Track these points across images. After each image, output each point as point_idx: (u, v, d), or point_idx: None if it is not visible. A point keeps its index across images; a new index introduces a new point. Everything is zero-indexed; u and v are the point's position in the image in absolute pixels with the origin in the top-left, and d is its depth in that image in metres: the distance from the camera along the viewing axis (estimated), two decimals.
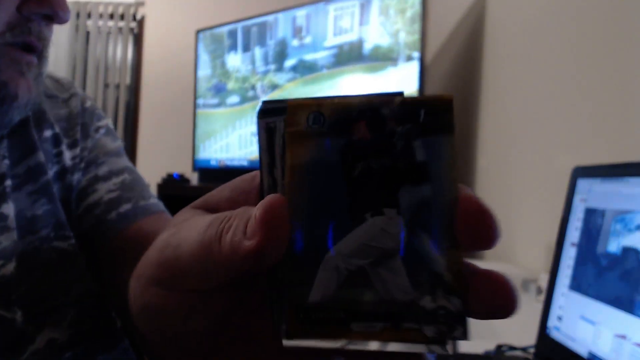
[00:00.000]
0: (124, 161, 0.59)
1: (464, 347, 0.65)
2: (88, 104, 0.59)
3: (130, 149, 3.36)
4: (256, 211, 0.20)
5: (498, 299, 0.20)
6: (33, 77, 0.45)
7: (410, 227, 0.20)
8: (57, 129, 0.54)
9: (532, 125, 1.39)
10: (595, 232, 0.54)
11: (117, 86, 3.43)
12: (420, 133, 0.20)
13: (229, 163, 2.47)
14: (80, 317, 0.49)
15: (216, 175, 2.53)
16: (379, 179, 0.20)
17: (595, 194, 0.57)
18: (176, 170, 2.63)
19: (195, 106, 2.65)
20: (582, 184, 0.59)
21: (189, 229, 0.23)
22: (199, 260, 0.21)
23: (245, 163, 2.39)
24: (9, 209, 0.47)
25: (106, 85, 3.41)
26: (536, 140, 1.35)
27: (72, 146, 0.55)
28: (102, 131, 0.58)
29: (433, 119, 0.20)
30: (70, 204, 0.53)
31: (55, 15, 0.44)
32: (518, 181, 1.46)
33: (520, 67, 1.48)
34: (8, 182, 0.48)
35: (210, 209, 0.25)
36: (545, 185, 1.27)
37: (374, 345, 0.20)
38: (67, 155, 0.54)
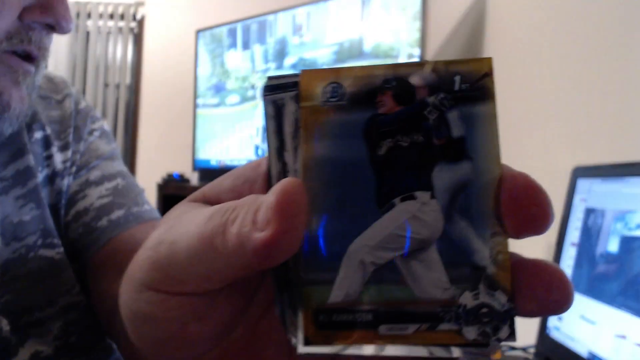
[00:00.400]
0: (118, 165, 0.56)
1: None
2: (82, 105, 0.56)
3: (130, 149, 3.36)
4: (270, 197, 0.17)
5: (552, 294, 0.17)
6: (27, 88, 0.43)
7: (447, 212, 0.17)
8: (49, 131, 0.51)
9: (532, 125, 1.39)
10: (595, 232, 0.54)
11: (117, 86, 3.43)
12: (456, 103, 0.17)
13: (229, 163, 2.47)
14: (67, 330, 0.47)
15: (216, 175, 2.50)
16: (409, 158, 0.18)
17: (595, 194, 0.57)
18: (176, 170, 2.63)
19: (195, 106, 2.65)
20: (582, 184, 0.59)
21: (186, 223, 0.20)
22: (200, 257, 0.18)
23: (245, 163, 2.39)
24: None
25: (106, 85, 3.41)
26: (536, 140, 1.35)
27: (63, 149, 0.52)
28: (96, 134, 0.56)
29: (470, 86, 0.17)
30: (60, 210, 0.50)
31: (57, 25, 0.42)
32: None
33: (520, 67, 1.48)
34: None
35: (210, 202, 0.22)
36: (545, 185, 1.27)
37: (404, 351, 0.17)
38: (58, 159, 0.51)
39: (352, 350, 0.17)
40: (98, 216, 0.50)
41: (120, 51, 3.40)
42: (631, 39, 0.95)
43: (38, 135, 0.50)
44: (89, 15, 3.36)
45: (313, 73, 0.18)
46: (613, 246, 0.51)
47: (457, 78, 0.17)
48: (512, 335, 0.17)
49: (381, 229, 0.17)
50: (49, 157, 0.50)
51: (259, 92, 2.38)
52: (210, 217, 0.18)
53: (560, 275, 0.17)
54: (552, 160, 1.24)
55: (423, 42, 1.82)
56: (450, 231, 0.17)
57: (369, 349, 0.17)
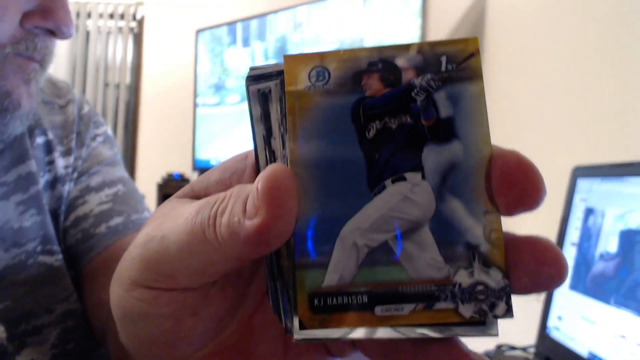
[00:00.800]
0: (119, 171, 0.55)
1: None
2: (85, 109, 0.56)
3: (130, 149, 3.36)
4: (257, 184, 0.17)
5: (546, 268, 0.17)
6: (34, 86, 0.43)
7: (439, 192, 0.17)
8: (51, 136, 0.51)
9: (532, 125, 1.39)
10: (595, 232, 0.54)
11: (117, 86, 3.43)
12: (443, 83, 0.17)
13: None
14: (65, 338, 0.46)
15: None
16: (398, 139, 0.18)
17: (595, 193, 0.57)
18: (176, 170, 2.63)
19: (195, 106, 2.65)
20: (582, 183, 0.59)
21: (175, 217, 0.19)
22: (190, 250, 0.18)
23: None
24: None
25: (106, 85, 3.41)
26: (536, 140, 1.35)
27: (65, 154, 0.52)
28: (99, 139, 0.55)
29: (457, 66, 0.17)
30: (59, 215, 0.50)
31: (58, 30, 0.42)
32: None
33: (520, 67, 1.48)
34: None
35: (199, 196, 0.22)
36: (545, 185, 1.27)
37: (402, 332, 0.17)
38: (60, 164, 0.51)
39: (346, 335, 0.17)
40: (97, 223, 0.50)
41: (120, 51, 3.40)
42: (631, 40, 0.95)
43: (40, 140, 0.50)
44: (89, 15, 3.36)
45: (297, 58, 0.18)
46: (613, 246, 0.51)
47: (443, 59, 0.17)
48: (509, 312, 0.17)
49: (373, 211, 0.17)
50: (51, 162, 0.50)
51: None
52: (199, 210, 0.18)
53: (553, 249, 0.17)
54: (552, 160, 1.25)
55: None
56: (443, 211, 0.17)
57: (360, 332, 0.17)
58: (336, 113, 0.18)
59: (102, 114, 3.38)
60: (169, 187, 2.52)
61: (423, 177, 0.17)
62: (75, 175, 0.52)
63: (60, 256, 0.48)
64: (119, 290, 0.21)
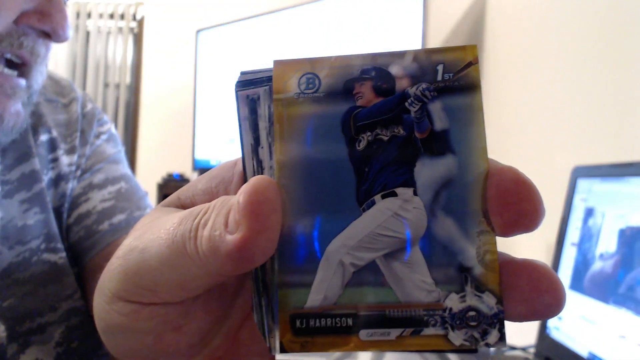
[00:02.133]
0: (122, 168, 0.55)
1: None
2: (88, 107, 0.55)
3: (130, 149, 3.36)
4: (239, 197, 0.16)
5: (542, 296, 0.16)
6: (22, 102, 0.42)
7: (431, 209, 0.16)
8: (55, 134, 0.51)
9: (532, 125, 1.39)
10: (595, 232, 0.54)
11: (117, 86, 3.43)
12: (439, 93, 0.16)
13: None
14: (68, 337, 0.46)
15: None
16: (390, 152, 0.17)
17: (595, 194, 0.57)
18: (176, 170, 2.63)
19: (195, 106, 2.65)
20: (582, 184, 0.59)
21: (156, 229, 0.19)
22: (171, 264, 0.17)
23: None
24: None
25: (106, 85, 3.41)
26: (536, 140, 1.35)
27: (69, 152, 0.51)
28: (103, 137, 0.55)
29: (454, 76, 0.16)
30: (63, 213, 0.50)
31: (54, 33, 0.41)
32: None
33: (520, 67, 1.48)
34: None
35: (184, 205, 0.21)
36: (545, 185, 1.27)
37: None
38: (64, 162, 0.51)
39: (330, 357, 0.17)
40: (100, 220, 0.50)
41: (120, 51, 3.40)
42: (631, 39, 0.95)
43: (44, 137, 0.50)
44: (89, 15, 3.36)
45: (287, 63, 0.17)
46: (613, 246, 0.51)
47: (440, 67, 0.16)
48: (501, 340, 0.16)
49: (361, 228, 0.16)
50: (55, 160, 0.50)
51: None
52: (181, 222, 0.18)
53: (551, 276, 0.16)
54: (552, 160, 1.24)
55: (423, 42, 1.82)
56: (435, 229, 0.16)
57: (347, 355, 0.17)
58: (326, 123, 0.17)
59: None
60: (169, 187, 2.52)
61: (415, 193, 0.16)
62: (79, 172, 0.52)
63: (63, 254, 0.48)
64: (101, 302, 0.20)
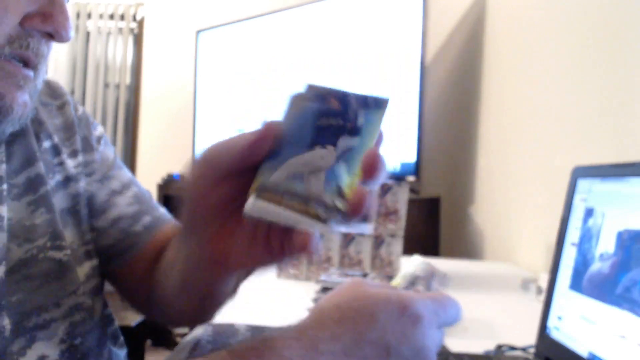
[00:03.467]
0: (127, 172, 0.62)
1: (463, 347, 0.65)
2: (80, 111, 0.59)
3: (130, 149, 3.36)
4: (263, 124, 0.36)
5: (364, 207, 0.34)
6: (29, 92, 0.45)
7: (338, 158, 0.35)
8: (56, 139, 0.55)
9: (532, 125, 1.39)
10: (595, 232, 0.54)
11: (117, 86, 3.43)
12: (366, 108, 0.36)
13: None
14: (72, 332, 0.49)
15: None
16: (331, 129, 0.36)
17: (595, 194, 0.57)
18: (177, 170, 2.63)
19: (195, 106, 2.66)
20: (582, 184, 0.59)
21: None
22: (226, 149, 0.38)
23: None
24: (3, 211, 0.47)
25: (106, 85, 3.41)
26: (536, 140, 1.35)
27: (72, 155, 0.56)
28: (102, 142, 0.60)
29: (375, 103, 0.36)
30: (79, 212, 0.55)
31: (57, 34, 0.44)
32: (518, 181, 1.46)
33: (520, 67, 1.49)
34: (4, 187, 0.48)
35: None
36: (545, 185, 1.27)
37: (279, 216, 0.34)
38: (70, 164, 0.55)
39: (272, 208, 0.34)
40: (133, 222, 0.58)
41: (120, 51, 3.40)
42: (631, 39, 0.96)
43: (47, 144, 0.54)
44: (89, 16, 3.36)
45: (313, 85, 0.38)
46: (613, 246, 0.51)
47: (370, 99, 0.36)
48: (341, 222, 0.34)
49: (305, 158, 0.35)
50: (61, 164, 0.54)
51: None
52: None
53: (366, 199, 0.34)
54: (552, 160, 1.25)
55: (423, 44, 1.82)
56: (334, 168, 0.34)
57: (278, 208, 0.34)
58: (311, 109, 0.37)
59: (102, 114, 3.38)
60: (169, 187, 2.52)
61: (335, 150, 0.35)
62: (96, 176, 0.58)
63: (68, 251, 0.51)
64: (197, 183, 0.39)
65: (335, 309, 0.36)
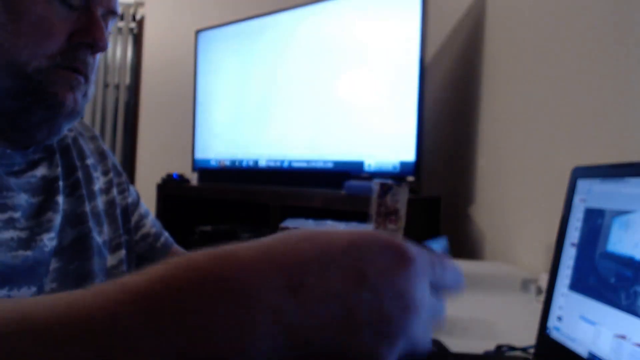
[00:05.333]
0: (142, 201, 0.79)
1: (463, 347, 0.65)
2: (104, 145, 0.75)
3: (130, 149, 3.36)
4: None
5: None
6: (81, 94, 0.58)
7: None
8: (92, 161, 0.71)
9: (531, 125, 1.39)
10: (595, 232, 0.54)
11: (117, 86, 3.43)
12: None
13: (228, 163, 2.47)
14: None
15: (216, 175, 2.53)
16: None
17: (595, 194, 0.57)
18: (176, 170, 2.63)
19: (195, 106, 2.65)
20: (582, 184, 0.59)
21: None
22: None
23: (245, 164, 2.39)
24: (60, 199, 0.61)
25: (106, 85, 3.41)
26: (536, 140, 1.35)
27: (104, 174, 0.72)
28: (118, 169, 0.76)
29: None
30: (113, 214, 0.70)
31: (95, 45, 0.57)
32: (518, 181, 1.46)
33: (520, 67, 1.48)
34: (60, 183, 0.63)
35: None
36: (545, 185, 1.27)
37: None
38: (101, 181, 0.71)
39: None
40: (155, 240, 0.78)
41: (120, 51, 3.40)
42: (631, 39, 0.95)
43: (89, 162, 0.69)
44: None
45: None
46: (613, 246, 0.51)
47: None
48: None
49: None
50: (98, 178, 0.70)
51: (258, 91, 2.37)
52: None
53: None
54: (552, 160, 1.24)
55: (422, 44, 1.82)
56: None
57: None
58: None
59: (101, 114, 3.38)
60: (169, 188, 2.52)
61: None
62: (131, 200, 0.75)
63: (104, 239, 0.67)
64: None
65: (298, 233, 0.29)
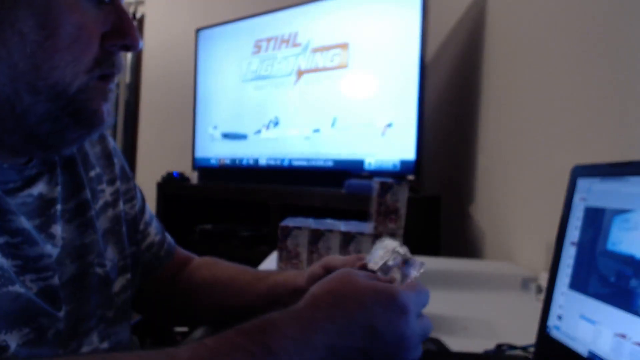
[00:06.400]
0: (146, 204, 0.75)
1: (463, 346, 0.65)
2: (112, 143, 0.69)
3: (130, 149, 3.36)
4: None
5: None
6: (112, 102, 0.53)
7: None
8: (99, 170, 0.63)
9: (532, 125, 1.39)
10: (595, 231, 0.54)
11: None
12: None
13: (228, 162, 2.47)
14: (101, 341, 0.57)
15: (216, 174, 2.53)
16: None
17: (595, 193, 0.57)
18: (176, 169, 2.63)
19: (195, 105, 2.65)
20: (582, 183, 0.59)
21: None
22: None
23: (246, 162, 2.39)
24: (57, 229, 0.54)
25: None
26: (536, 140, 1.35)
27: (111, 183, 0.65)
28: (126, 170, 0.70)
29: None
30: (119, 231, 0.64)
31: (132, 46, 0.51)
32: (518, 181, 1.45)
33: (521, 67, 1.48)
34: (58, 207, 0.54)
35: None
36: (545, 185, 1.27)
37: None
38: (108, 191, 0.64)
39: None
40: (159, 248, 0.75)
41: None
42: (631, 39, 0.95)
43: (92, 173, 0.62)
44: None
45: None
46: (613, 245, 0.51)
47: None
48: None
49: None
50: (102, 191, 0.63)
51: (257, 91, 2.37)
52: None
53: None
54: (552, 160, 1.24)
55: (423, 43, 1.82)
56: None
57: None
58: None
59: None
60: (169, 187, 2.52)
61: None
62: (138, 207, 0.71)
63: (107, 268, 0.59)
64: None
65: (327, 295, 0.43)
